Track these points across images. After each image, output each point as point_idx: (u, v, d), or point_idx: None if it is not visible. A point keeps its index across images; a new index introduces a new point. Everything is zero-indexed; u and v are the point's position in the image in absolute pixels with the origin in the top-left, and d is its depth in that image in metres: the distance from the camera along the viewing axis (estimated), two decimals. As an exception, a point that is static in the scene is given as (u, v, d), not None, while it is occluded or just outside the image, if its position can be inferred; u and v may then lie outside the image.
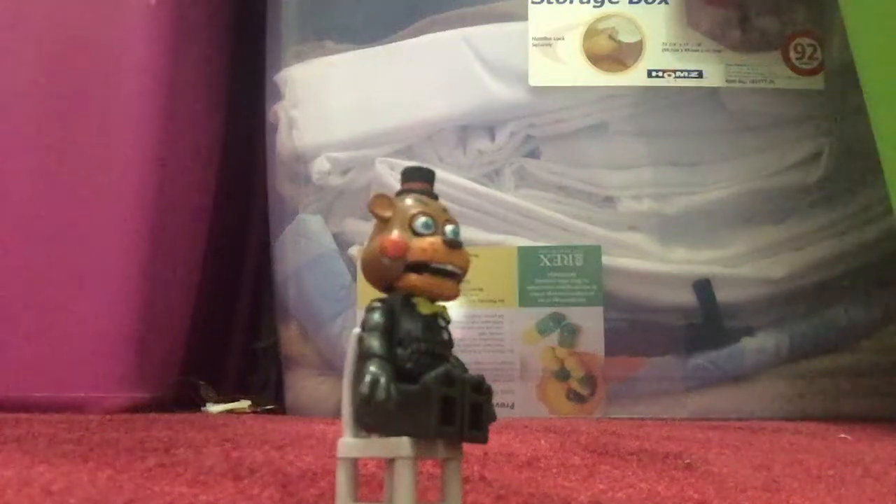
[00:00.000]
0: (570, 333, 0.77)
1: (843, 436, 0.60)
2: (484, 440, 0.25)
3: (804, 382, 0.79)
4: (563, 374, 0.77)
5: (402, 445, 0.24)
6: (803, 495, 0.36)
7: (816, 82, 0.81)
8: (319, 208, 0.85)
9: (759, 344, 0.78)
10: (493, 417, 0.25)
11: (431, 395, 0.24)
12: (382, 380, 0.24)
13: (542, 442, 0.51)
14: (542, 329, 0.77)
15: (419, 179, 0.27)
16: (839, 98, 0.81)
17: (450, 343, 0.27)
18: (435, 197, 0.27)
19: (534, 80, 0.80)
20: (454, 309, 0.28)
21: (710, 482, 0.39)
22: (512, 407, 0.76)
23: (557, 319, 0.77)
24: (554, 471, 0.41)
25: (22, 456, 0.40)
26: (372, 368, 0.25)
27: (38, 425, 0.56)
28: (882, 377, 0.79)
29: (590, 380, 0.76)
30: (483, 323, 0.77)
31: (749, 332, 0.79)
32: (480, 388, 0.25)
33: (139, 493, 0.32)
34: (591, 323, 0.77)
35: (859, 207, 0.82)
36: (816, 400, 0.78)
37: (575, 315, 0.77)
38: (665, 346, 0.79)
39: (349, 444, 0.26)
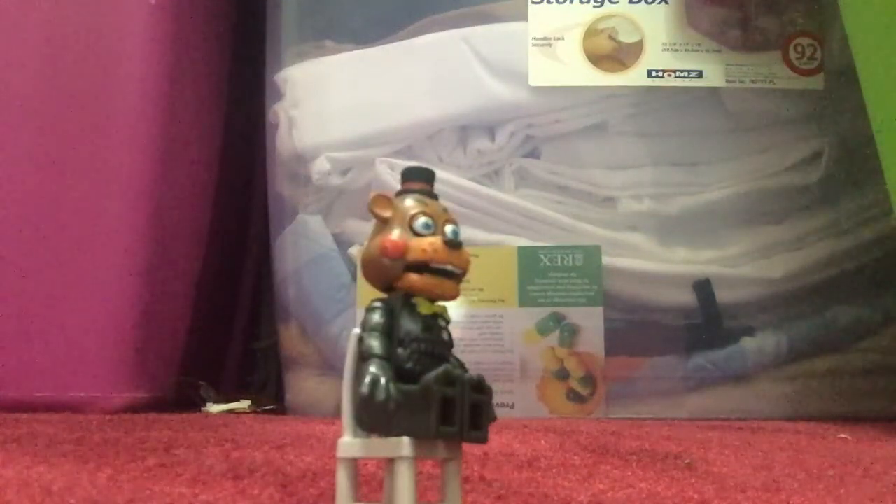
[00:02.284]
0: (570, 333, 0.77)
1: (843, 436, 0.60)
2: (484, 440, 0.25)
3: (804, 382, 0.78)
4: (562, 374, 0.77)
5: (402, 445, 0.24)
6: (803, 495, 0.36)
7: (816, 82, 0.81)
8: (319, 208, 0.85)
9: (759, 344, 0.78)
10: (493, 417, 0.25)
11: (431, 395, 0.24)
12: (382, 380, 0.24)
13: (542, 442, 0.51)
14: (542, 329, 0.77)
15: (419, 179, 0.27)
16: (839, 98, 0.81)
17: (450, 343, 0.27)
18: (435, 197, 0.27)
19: (534, 80, 0.80)
20: (454, 309, 0.28)
21: (710, 482, 0.39)
22: (512, 407, 0.76)
23: (557, 319, 0.77)
24: (554, 471, 0.41)
25: (22, 456, 0.40)
26: (372, 369, 0.25)
27: (38, 425, 0.56)
28: (882, 377, 0.79)
29: (590, 380, 0.76)
30: (483, 323, 0.77)
31: (749, 332, 0.79)
32: (480, 388, 0.25)
33: (139, 493, 0.32)
34: (591, 323, 0.77)
35: (859, 207, 0.82)
36: (816, 400, 0.78)
37: (575, 315, 0.77)
38: (665, 346, 0.78)
39: (349, 444, 0.26)
